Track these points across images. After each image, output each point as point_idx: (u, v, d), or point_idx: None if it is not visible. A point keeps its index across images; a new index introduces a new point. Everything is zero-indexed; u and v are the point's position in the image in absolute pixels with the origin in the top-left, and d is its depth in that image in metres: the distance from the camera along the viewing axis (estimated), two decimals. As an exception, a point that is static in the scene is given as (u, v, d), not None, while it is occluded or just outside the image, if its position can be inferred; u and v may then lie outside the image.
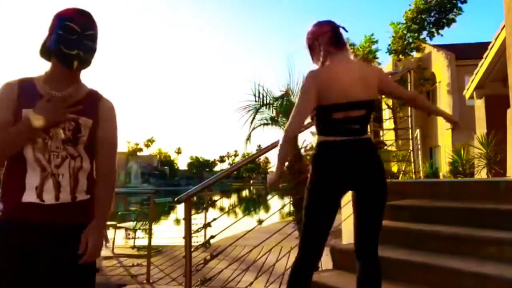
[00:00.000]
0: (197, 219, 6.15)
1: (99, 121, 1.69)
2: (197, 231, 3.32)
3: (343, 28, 2.28)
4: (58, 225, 1.56)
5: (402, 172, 6.13)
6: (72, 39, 1.58)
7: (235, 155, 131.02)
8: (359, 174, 2.12)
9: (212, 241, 3.37)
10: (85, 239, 1.58)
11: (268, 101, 5.00)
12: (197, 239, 4.81)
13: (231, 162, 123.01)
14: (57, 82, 1.63)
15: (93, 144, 1.67)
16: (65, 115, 1.57)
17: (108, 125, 1.73)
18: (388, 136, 11.36)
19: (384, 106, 14.61)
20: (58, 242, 1.55)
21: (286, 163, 4.87)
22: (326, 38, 2.23)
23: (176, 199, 2.98)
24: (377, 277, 2.17)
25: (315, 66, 2.30)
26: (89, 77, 1.77)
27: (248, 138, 5.11)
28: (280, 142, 2.17)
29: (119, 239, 8.16)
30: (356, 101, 2.12)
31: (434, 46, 17.50)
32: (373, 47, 14.66)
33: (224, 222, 3.51)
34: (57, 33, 1.58)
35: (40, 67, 1.70)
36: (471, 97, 9.76)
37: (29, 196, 1.54)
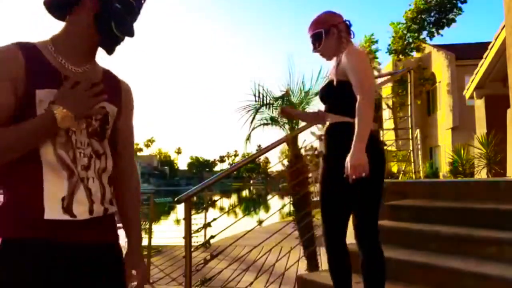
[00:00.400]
0: (197, 219, 6.14)
1: (122, 109, 1.33)
2: (197, 231, 3.32)
3: (348, 21, 2.32)
4: (91, 247, 1.18)
5: (402, 172, 6.12)
6: (126, 19, 1.24)
7: (235, 155, 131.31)
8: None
9: (212, 241, 3.37)
10: (131, 270, 1.25)
11: (268, 101, 4.99)
12: (197, 239, 4.81)
13: (231, 162, 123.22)
14: (74, 54, 1.21)
15: (114, 138, 1.31)
16: (95, 105, 1.17)
17: (129, 113, 1.38)
18: (388, 136, 11.37)
19: (384, 106, 14.64)
20: (92, 269, 1.17)
21: (286, 163, 4.88)
22: (344, 26, 2.27)
23: (176, 199, 2.97)
24: (379, 265, 2.14)
25: (315, 55, 2.31)
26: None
27: (248, 138, 5.09)
28: (364, 110, 1.95)
29: (119, 239, 8.16)
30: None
31: (434, 46, 17.51)
32: (373, 47, 14.68)
33: (224, 222, 3.51)
34: (113, 5, 1.21)
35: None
36: (471, 97, 9.77)
37: (53, 211, 1.09)
